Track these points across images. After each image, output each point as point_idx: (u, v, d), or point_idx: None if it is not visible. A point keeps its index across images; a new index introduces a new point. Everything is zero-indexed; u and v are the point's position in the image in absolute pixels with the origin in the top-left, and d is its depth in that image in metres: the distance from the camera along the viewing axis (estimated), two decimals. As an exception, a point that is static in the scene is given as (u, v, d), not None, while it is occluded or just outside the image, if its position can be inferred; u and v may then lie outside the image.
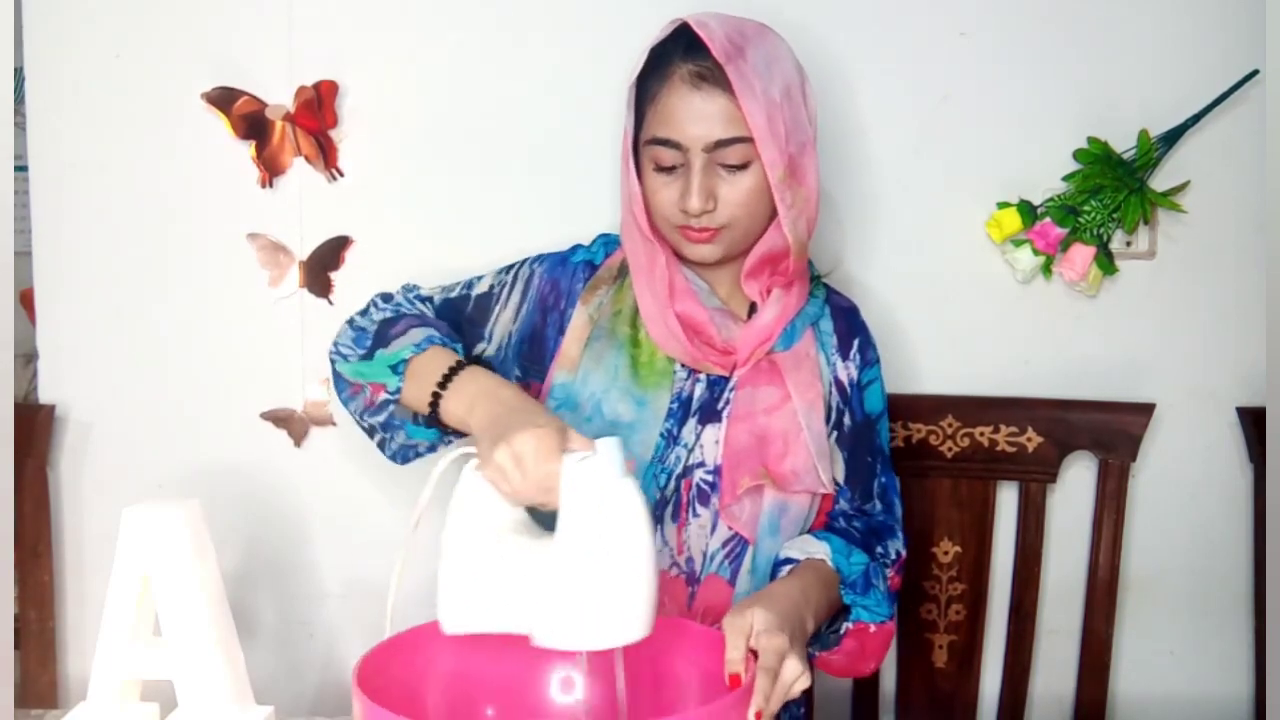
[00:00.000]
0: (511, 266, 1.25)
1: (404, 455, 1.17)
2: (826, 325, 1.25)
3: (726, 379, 1.19)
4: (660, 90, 1.11)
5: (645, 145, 1.14)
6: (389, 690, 0.90)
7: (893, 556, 1.21)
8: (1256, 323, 1.47)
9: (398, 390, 1.09)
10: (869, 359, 1.26)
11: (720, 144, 1.10)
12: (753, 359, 1.19)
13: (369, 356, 1.12)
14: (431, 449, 1.16)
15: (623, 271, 1.23)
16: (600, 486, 0.89)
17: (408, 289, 1.22)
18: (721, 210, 1.12)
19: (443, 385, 1.04)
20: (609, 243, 1.26)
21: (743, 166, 1.11)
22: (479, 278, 1.25)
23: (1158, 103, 1.44)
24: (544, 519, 0.95)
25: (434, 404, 1.05)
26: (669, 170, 1.13)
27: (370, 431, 1.17)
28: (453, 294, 1.24)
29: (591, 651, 0.90)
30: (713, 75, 1.08)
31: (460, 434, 1.09)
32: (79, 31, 1.52)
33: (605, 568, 0.88)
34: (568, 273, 1.23)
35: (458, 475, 0.98)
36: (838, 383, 1.23)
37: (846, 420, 1.23)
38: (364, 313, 1.19)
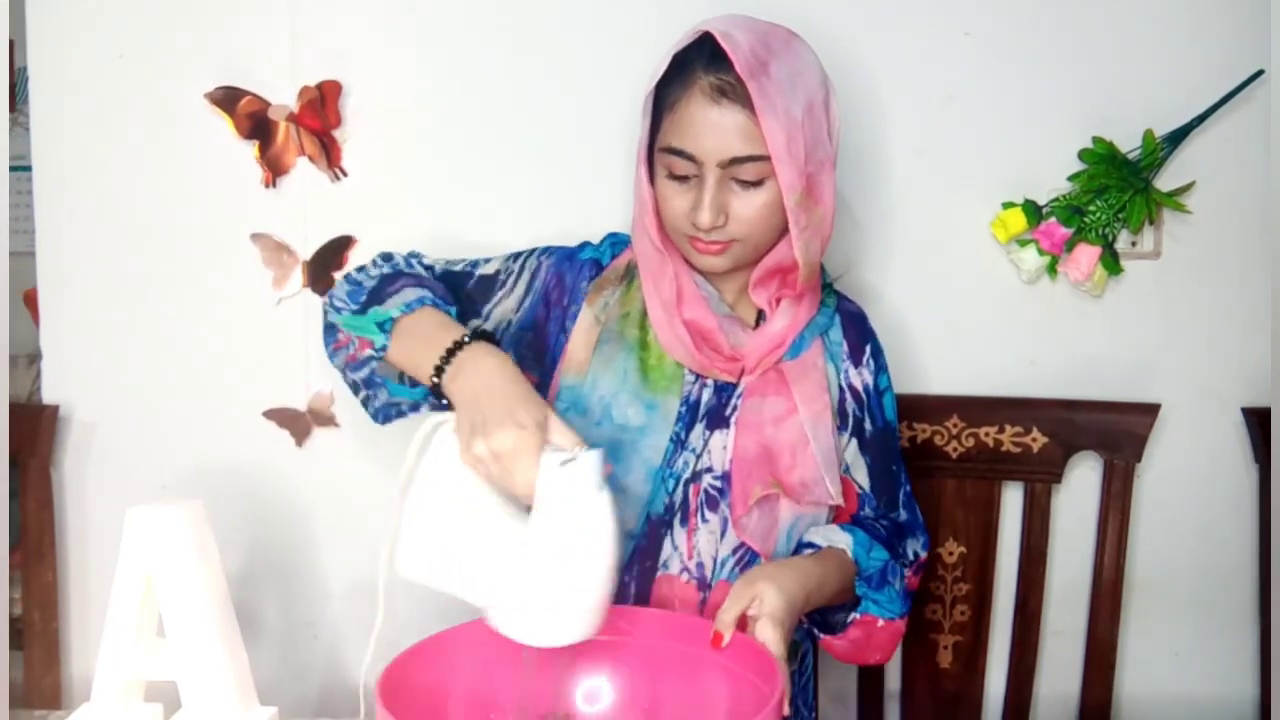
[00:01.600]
0: (519, 254, 1.24)
1: (386, 414, 1.15)
2: (836, 334, 1.23)
3: (734, 385, 1.18)
4: (679, 99, 1.08)
5: (660, 152, 1.12)
6: (411, 701, 0.90)
7: (911, 558, 1.21)
8: (1262, 323, 1.47)
9: (383, 348, 1.07)
10: (882, 365, 1.25)
11: (736, 161, 1.07)
12: (760, 367, 1.17)
13: (362, 311, 1.10)
14: (415, 408, 1.13)
15: (630, 273, 1.22)
16: (575, 498, 0.90)
17: (411, 255, 1.20)
18: (733, 225, 1.10)
19: (447, 359, 1.01)
20: (617, 243, 1.25)
21: (757, 183, 1.09)
22: (486, 259, 1.24)
23: (1163, 103, 1.44)
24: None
25: (437, 376, 1.01)
26: (682, 179, 1.11)
27: (354, 388, 1.16)
28: (456, 268, 1.22)
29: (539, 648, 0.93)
30: (734, 90, 1.05)
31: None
32: (82, 31, 1.52)
33: (568, 578, 0.90)
34: (574, 269, 1.22)
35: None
36: (851, 389, 1.22)
37: (868, 425, 1.22)
38: (362, 269, 1.18)
